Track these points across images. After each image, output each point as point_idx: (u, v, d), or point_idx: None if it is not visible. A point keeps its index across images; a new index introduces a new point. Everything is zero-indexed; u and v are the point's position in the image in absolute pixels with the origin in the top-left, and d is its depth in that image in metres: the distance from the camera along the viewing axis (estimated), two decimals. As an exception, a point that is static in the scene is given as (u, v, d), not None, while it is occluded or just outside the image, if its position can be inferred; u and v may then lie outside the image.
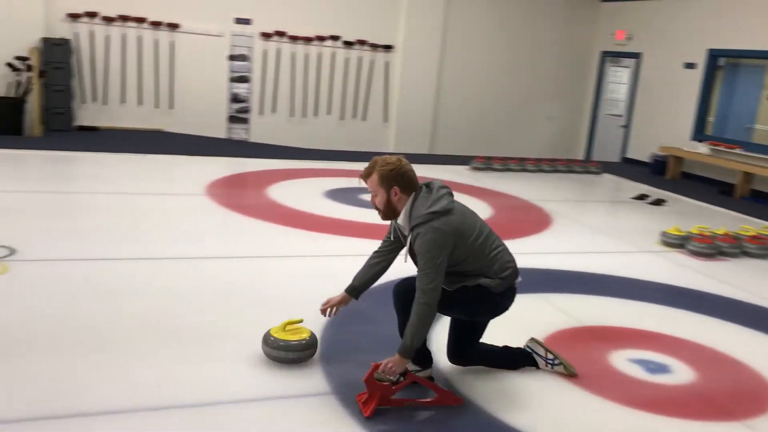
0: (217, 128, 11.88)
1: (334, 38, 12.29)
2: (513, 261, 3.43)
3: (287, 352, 3.55)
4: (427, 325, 3.15)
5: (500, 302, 3.40)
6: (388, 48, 12.66)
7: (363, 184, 3.34)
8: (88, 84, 11.02)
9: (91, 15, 10.76)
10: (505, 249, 3.43)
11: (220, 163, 9.79)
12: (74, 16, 10.70)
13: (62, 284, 4.54)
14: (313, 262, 5.52)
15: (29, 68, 10.15)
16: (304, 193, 8.11)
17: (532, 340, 3.81)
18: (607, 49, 14.03)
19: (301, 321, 3.68)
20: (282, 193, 7.93)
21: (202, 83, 11.62)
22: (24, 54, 10.19)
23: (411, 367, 3.40)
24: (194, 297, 4.51)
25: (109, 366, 3.45)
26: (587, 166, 11.92)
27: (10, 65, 10.11)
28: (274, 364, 3.58)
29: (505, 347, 3.75)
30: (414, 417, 3.22)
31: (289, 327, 3.63)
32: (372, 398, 3.16)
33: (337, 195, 8.08)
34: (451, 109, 13.33)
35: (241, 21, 11.68)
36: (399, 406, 3.23)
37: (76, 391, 3.18)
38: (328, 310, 3.54)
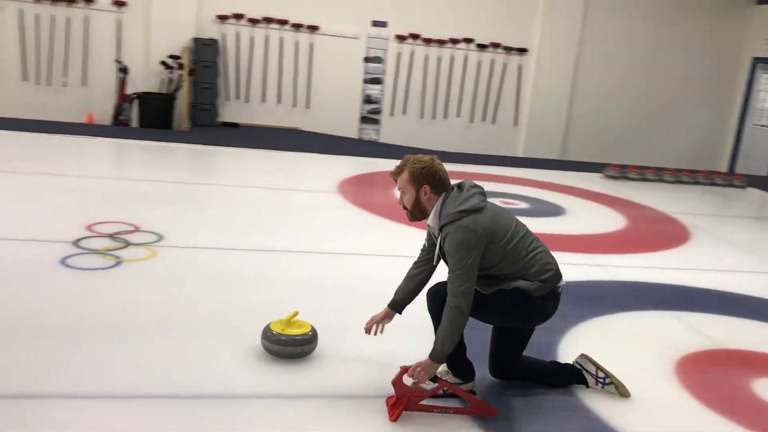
0: (350, 128, 12.19)
1: (468, 41, 12.28)
2: (554, 263, 3.22)
3: (292, 347, 3.46)
4: (458, 329, 3.02)
5: (542, 307, 3.19)
6: (522, 51, 12.49)
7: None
8: (232, 82, 11.64)
9: (238, 17, 11.35)
10: (545, 250, 3.24)
11: (352, 162, 10.04)
12: (222, 18, 11.33)
13: (198, 271, 4.81)
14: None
15: (180, 66, 10.86)
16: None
17: (582, 356, 3.54)
18: (760, 55, 13.12)
19: (296, 314, 3.59)
20: (410, 193, 8.01)
21: (337, 84, 11.97)
22: (176, 53, 10.92)
23: (452, 379, 3.29)
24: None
25: (233, 352, 3.59)
26: (731, 179, 11.22)
27: (163, 63, 10.87)
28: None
29: (552, 362, 3.56)
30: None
31: (292, 321, 3.54)
32: (399, 402, 3.09)
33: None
34: (585, 114, 12.96)
35: (377, 24, 11.92)
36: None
37: (202, 374, 3.37)
38: (373, 328, 3.39)
